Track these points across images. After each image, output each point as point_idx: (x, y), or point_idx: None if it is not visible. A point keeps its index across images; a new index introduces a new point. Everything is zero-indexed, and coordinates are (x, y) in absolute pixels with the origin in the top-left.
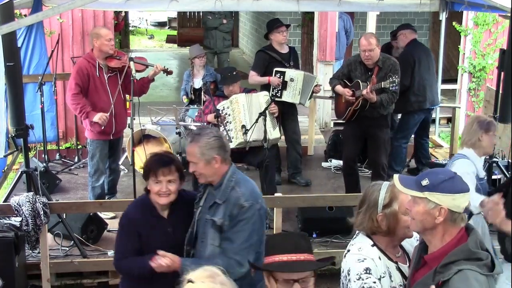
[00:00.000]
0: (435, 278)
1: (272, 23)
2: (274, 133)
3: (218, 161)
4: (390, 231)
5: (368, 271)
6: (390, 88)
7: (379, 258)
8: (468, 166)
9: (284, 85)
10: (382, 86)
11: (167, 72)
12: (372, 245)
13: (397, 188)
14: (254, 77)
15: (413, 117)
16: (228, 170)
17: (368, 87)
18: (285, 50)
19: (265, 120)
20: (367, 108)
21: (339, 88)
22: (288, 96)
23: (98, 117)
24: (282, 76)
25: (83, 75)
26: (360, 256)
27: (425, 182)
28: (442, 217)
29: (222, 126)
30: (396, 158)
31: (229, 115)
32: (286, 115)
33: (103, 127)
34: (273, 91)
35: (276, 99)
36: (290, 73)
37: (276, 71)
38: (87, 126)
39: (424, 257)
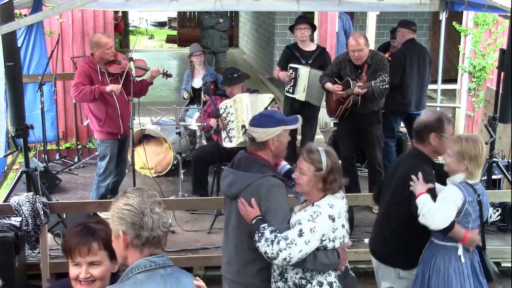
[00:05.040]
0: None
1: (296, 19)
2: None
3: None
4: None
5: None
6: (380, 87)
7: None
8: None
9: (295, 81)
10: (373, 85)
11: (166, 75)
12: None
13: None
14: (275, 72)
15: (395, 117)
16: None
17: (359, 85)
18: (309, 48)
19: None
20: (358, 105)
21: (329, 85)
22: (296, 93)
23: (110, 87)
24: (294, 73)
25: (87, 79)
26: None
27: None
28: None
29: (223, 127)
30: (389, 157)
31: (231, 114)
32: (304, 117)
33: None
34: (286, 86)
35: (289, 95)
36: (300, 70)
37: (290, 67)
38: (95, 127)
39: None
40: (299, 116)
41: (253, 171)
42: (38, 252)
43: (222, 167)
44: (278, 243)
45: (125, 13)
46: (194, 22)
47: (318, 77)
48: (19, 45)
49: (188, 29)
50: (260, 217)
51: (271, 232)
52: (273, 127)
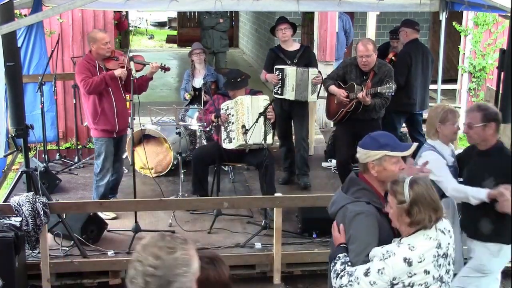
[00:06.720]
0: None
1: (277, 20)
2: (267, 138)
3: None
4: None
5: None
6: (386, 94)
7: None
8: (435, 156)
9: (283, 82)
10: (379, 91)
11: (164, 68)
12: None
13: None
14: (262, 75)
15: (398, 117)
16: None
17: (364, 91)
18: (292, 47)
19: (265, 120)
20: (359, 110)
21: (333, 88)
22: (285, 93)
23: (119, 71)
24: (280, 74)
25: (89, 72)
26: None
27: None
28: None
29: (223, 127)
30: None
31: (232, 115)
32: (294, 116)
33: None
34: (275, 88)
35: (278, 96)
36: (287, 70)
37: (276, 68)
38: (91, 125)
39: None
40: (414, 144)
41: (349, 194)
42: (38, 252)
43: (222, 167)
44: (341, 278)
45: (125, 13)
46: (194, 22)
47: (304, 74)
48: (19, 45)
49: (188, 29)
50: (344, 245)
51: (342, 263)
52: (373, 150)
